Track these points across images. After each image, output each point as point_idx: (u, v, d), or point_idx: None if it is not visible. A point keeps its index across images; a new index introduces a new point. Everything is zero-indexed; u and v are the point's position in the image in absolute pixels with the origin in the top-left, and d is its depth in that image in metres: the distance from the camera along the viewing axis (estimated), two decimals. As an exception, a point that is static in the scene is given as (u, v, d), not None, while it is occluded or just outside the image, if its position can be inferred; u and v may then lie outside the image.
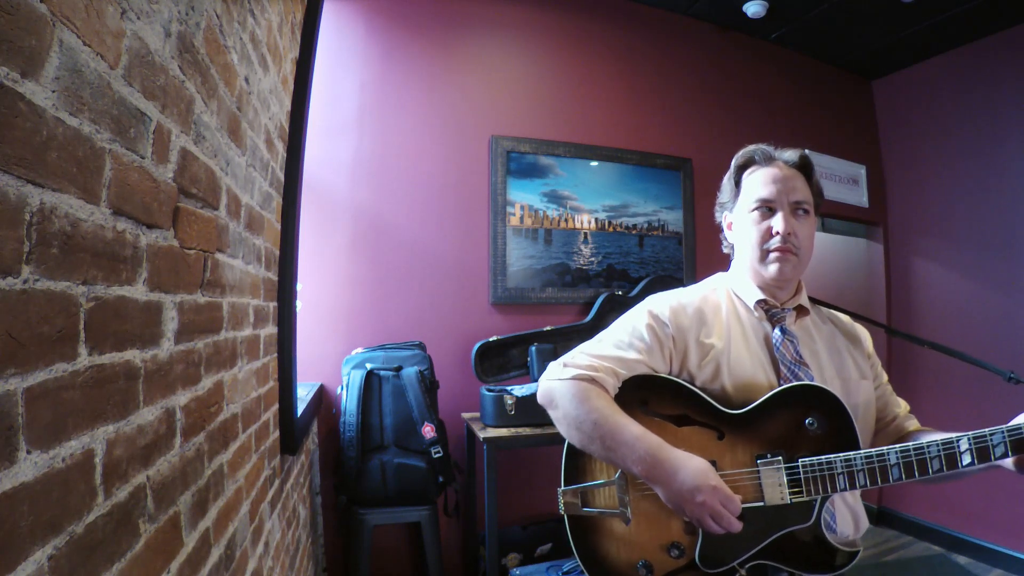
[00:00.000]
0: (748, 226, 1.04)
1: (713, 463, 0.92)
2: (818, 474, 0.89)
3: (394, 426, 2.09)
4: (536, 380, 2.46)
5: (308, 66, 1.48)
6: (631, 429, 0.91)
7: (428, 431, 2.07)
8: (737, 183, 1.08)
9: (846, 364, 1.05)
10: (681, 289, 1.13)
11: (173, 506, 0.65)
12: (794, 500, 0.90)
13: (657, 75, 3.02)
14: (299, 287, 1.51)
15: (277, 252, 1.37)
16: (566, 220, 2.73)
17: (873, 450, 0.88)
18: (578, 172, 2.76)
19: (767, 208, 1.01)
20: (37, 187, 0.40)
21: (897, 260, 3.61)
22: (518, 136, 2.65)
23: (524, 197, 2.65)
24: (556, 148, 2.71)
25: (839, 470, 0.89)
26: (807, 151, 1.08)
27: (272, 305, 1.32)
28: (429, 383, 2.17)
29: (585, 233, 2.77)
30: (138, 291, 0.57)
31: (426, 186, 2.52)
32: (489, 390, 2.21)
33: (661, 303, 1.06)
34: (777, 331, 1.02)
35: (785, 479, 0.91)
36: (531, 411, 2.17)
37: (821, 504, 0.90)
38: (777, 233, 0.99)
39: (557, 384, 1.00)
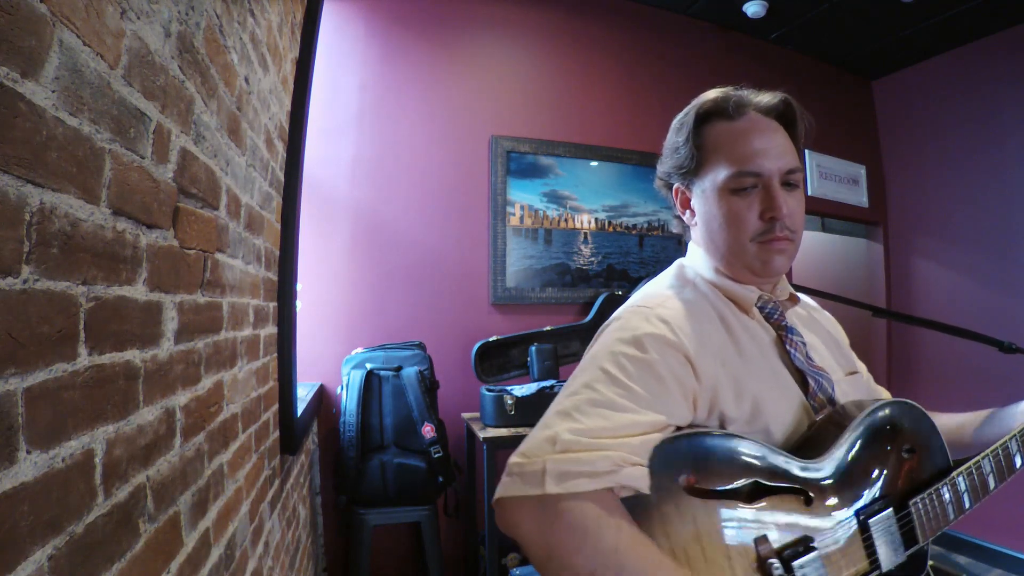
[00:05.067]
0: (726, 208, 0.74)
1: (808, 542, 0.64)
2: (931, 512, 0.71)
3: (394, 426, 2.09)
4: (536, 380, 2.48)
5: (308, 66, 1.48)
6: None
7: (428, 431, 2.07)
8: (698, 145, 0.77)
9: (840, 357, 0.86)
10: (654, 292, 0.78)
11: (173, 506, 0.65)
12: (909, 553, 0.70)
13: (657, 75, 3.02)
14: (299, 287, 1.51)
15: (277, 252, 1.37)
16: (566, 220, 2.73)
17: (969, 464, 0.75)
18: (578, 172, 2.76)
19: (751, 185, 0.73)
20: (37, 187, 0.40)
21: (897, 260, 3.61)
22: (518, 136, 2.65)
23: (524, 197, 2.65)
24: (556, 148, 2.71)
25: (948, 499, 0.72)
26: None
27: (272, 305, 1.32)
28: (429, 383, 2.17)
29: (585, 233, 2.77)
30: (138, 291, 0.57)
31: (426, 186, 2.52)
32: (489, 390, 2.21)
33: (652, 320, 0.70)
34: (787, 334, 0.78)
35: (898, 532, 0.69)
36: (531, 411, 2.17)
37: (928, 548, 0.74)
38: (772, 218, 0.73)
39: (535, 510, 0.57)
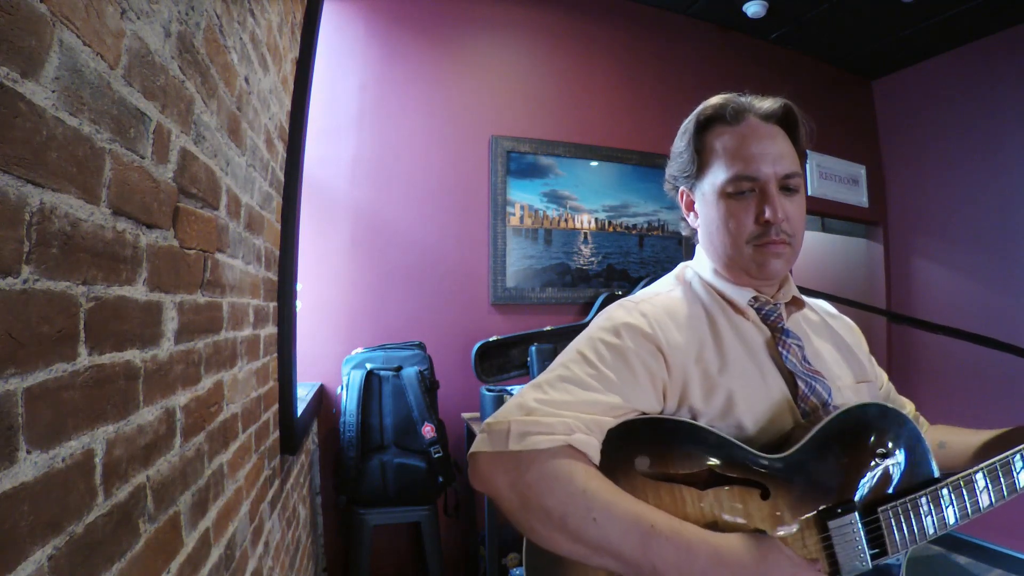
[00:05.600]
0: (723, 211, 0.77)
1: (761, 535, 0.65)
2: (904, 524, 0.69)
3: (394, 426, 2.09)
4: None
5: (308, 66, 1.48)
6: (668, 522, 0.61)
7: (428, 431, 2.07)
8: (698, 149, 0.80)
9: (853, 364, 0.85)
10: (647, 291, 0.83)
11: (173, 506, 0.65)
12: (876, 564, 0.68)
13: (657, 75, 3.02)
14: (299, 287, 1.51)
15: (277, 252, 1.37)
16: (566, 220, 2.73)
17: (957, 476, 0.71)
18: (578, 172, 2.76)
19: (748, 188, 0.75)
20: (37, 187, 0.40)
21: (897, 260, 3.61)
22: (518, 136, 2.65)
23: (524, 197, 2.65)
24: (556, 148, 2.71)
25: (926, 510, 0.69)
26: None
27: (272, 305, 1.32)
28: (429, 383, 2.17)
29: (585, 233, 2.77)
30: (138, 291, 0.57)
31: (426, 186, 2.52)
32: (489, 390, 2.21)
33: (632, 312, 0.75)
34: (781, 336, 0.79)
35: (864, 539, 0.68)
36: (531, 411, 2.16)
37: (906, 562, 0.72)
38: (767, 222, 0.74)
39: (508, 463, 0.62)
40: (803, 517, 0.68)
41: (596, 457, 0.64)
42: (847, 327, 0.93)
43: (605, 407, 0.66)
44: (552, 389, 0.67)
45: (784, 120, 0.80)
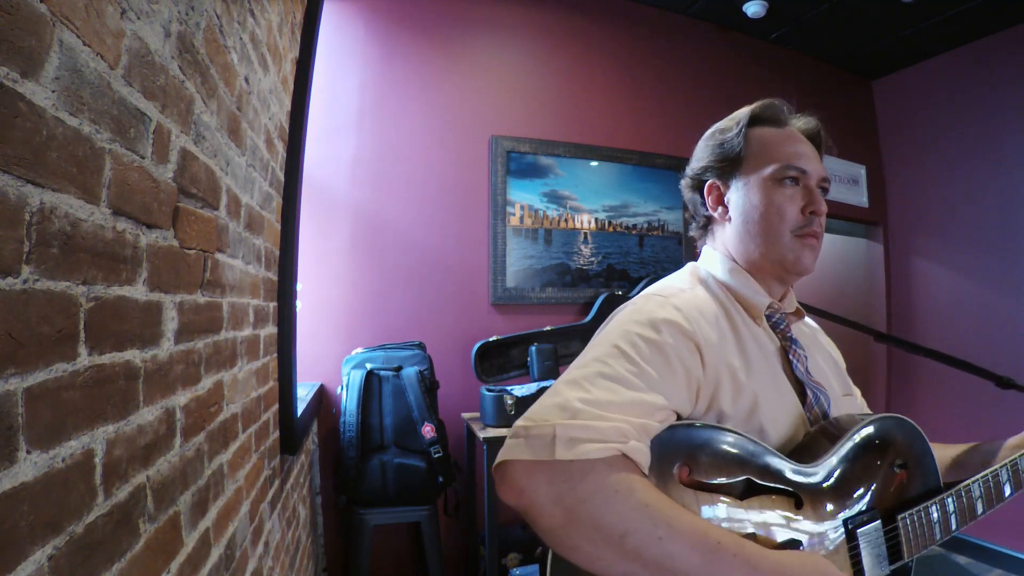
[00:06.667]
0: (769, 198, 0.78)
1: (796, 544, 0.65)
2: (918, 529, 0.73)
3: (394, 426, 2.09)
4: (536, 380, 2.48)
5: (308, 66, 1.48)
6: (731, 539, 0.58)
7: (428, 431, 2.07)
8: (747, 141, 0.82)
9: (839, 377, 0.88)
10: (668, 287, 0.80)
11: (173, 506, 0.65)
12: (893, 568, 0.72)
13: (657, 75, 3.02)
14: (299, 287, 1.51)
15: (277, 252, 1.37)
16: (566, 220, 2.73)
17: (958, 486, 0.78)
18: (578, 172, 2.76)
19: (792, 179, 0.78)
20: (37, 187, 0.40)
21: (897, 260, 3.61)
22: (518, 136, 2.65)
23: (524, 197, 2.65)
24: (556, 148, 2.71)
25: (936, 518, 0.75)
26: None
27: (272, 305, 1.32)
28: (429, 383, 2.17)
29: (585, 233, 2.77)
30: (138, 291, 0.57)
31: (426, 186, 2.52)
32: (489, 390, 2.21)
33: (666, 307, 0.72)
34: (791, 345, 0.80)
35: (884, 545, 0.71)
36: (531, 411, 2.16)
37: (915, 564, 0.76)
38: (813, 212, 0.77)
39: (554, 474, 0.56)
40: (834, 525, 0.69)
41: (647, 466, 0.59)
42: (830, 343, 0.97)
43: (650, 408, 0.61)
44: (594, 387, 0.61)
45: (814, 139, 0.85)
